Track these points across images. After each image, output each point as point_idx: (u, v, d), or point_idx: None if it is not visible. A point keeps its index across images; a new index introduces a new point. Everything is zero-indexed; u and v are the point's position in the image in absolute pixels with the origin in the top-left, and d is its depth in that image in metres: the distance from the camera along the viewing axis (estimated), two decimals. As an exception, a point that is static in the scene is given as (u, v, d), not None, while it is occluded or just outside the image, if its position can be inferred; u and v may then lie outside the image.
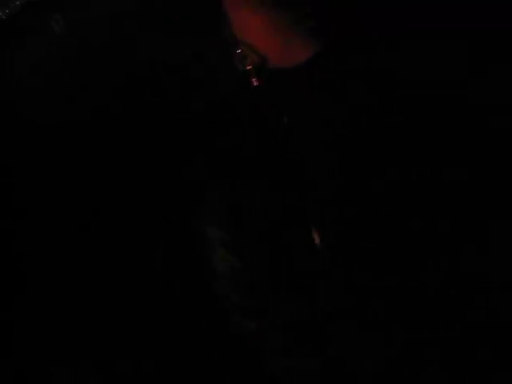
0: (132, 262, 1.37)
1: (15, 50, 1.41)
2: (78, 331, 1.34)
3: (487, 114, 0.90)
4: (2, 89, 1.40)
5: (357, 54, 0.92)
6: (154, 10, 1.52)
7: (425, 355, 0.92)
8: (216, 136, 0.97)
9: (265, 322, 0.96)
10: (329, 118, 0.92)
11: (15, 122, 1.34)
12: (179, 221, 1.21)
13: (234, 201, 0.95)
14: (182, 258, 1.26)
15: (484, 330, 0.90)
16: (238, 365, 1.00)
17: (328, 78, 0.92)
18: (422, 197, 0.89)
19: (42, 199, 1.31)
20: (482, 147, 0.90)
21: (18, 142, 1.36)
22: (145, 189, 1.34)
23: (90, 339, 1.34)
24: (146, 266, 1.36)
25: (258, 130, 0.94)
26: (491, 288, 0.90)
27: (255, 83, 0.93)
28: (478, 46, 0.92)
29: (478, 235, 0.90)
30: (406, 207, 0.89)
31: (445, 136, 0.90)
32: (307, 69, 0.91)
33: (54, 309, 1.33)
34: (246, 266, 0.95)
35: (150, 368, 1.34)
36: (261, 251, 0.94)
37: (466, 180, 0.90)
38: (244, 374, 1.01)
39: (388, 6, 0.95)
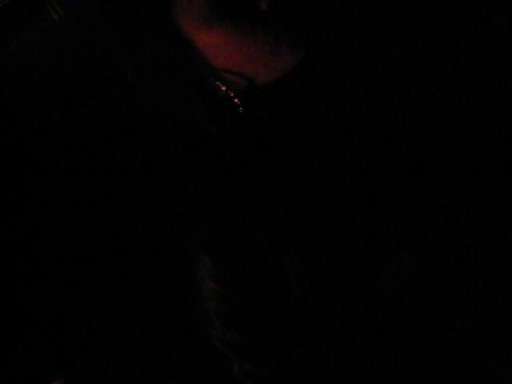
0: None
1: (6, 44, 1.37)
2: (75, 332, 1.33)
3: (483, 106, 0.86)
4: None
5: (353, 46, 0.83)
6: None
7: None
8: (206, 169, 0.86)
9: (271, 366, 0.87)
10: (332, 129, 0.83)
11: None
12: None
13: (224, 234, 0.85)
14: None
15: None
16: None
17: (325, 77, 0.82)
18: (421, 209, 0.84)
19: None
20: (480, 145, 0.85)
21: (10, 135, 1.35)
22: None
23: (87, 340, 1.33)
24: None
25: (251, 161, 0.84)
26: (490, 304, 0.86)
27: (241, 110, 0.83)
28: (473, 36, 0.87)
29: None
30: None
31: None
32: (299, 72, 0.82)
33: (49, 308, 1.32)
34: (241, 303, 0.86)
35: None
36: (255, 286, 0.85)
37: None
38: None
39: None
